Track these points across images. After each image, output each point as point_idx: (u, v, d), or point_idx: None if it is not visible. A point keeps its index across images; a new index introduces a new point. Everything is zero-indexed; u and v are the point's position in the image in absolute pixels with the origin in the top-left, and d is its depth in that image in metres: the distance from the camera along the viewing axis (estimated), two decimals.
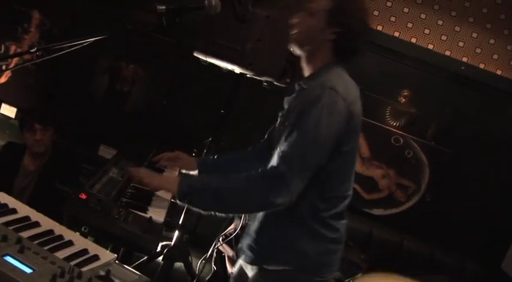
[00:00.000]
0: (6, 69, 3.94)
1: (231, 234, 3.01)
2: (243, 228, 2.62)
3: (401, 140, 3.83)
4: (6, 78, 4.14)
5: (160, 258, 2.79)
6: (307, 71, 1.82)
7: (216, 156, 2.72)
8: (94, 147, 4.00)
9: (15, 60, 3.77)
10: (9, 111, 4.13)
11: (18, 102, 4.11)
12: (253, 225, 1.84)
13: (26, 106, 3.90)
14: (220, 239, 3.08)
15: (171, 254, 2.77)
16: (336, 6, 1.71)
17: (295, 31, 1.79)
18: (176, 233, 2.81)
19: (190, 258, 2.95)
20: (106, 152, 3.91)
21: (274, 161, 1.66)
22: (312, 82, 1.70)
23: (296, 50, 1.82)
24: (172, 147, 2.26)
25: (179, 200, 1.66)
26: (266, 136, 2.08)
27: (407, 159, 3.84)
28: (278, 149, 1.66)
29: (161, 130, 3.95)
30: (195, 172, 2.13)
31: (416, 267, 3.66)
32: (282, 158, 1.59)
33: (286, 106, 1.85)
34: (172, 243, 2.82)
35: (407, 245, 3.80)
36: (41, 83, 4.10)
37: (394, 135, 3.84)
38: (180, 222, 2.78)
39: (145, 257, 2.68)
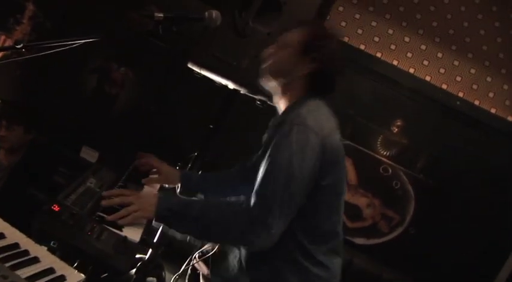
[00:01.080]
0: None
1: (208, 252, 2.90)
2: (221, 247, 2.53)
3: (390, 170, 3.78)
4: None
5: (133, 271, 2.68)
6: (282, 106, 1.76)
7: (200, 172, 2.63)
8: (76, 148, 3.87)
9: (2, 52, 3.66)
10: None
11: (2, 94, 3.97)
12: (243, 255, 1.76)
13: (9, 98, 3.78)
14: (197, 256, 2.98)
15: (145, 268, 2.66)
16: (309, 40, 1.69)
17: (268, 62, 1.75)
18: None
19: (163, 273, 2.84)
20: (88, 154, 3.78)
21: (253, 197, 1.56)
22: (285, 117, 1.64)
23: (268, 83, 1.77)
24: (157, 157, 2.18)
25: (156, 221, 1.57)
26: (253, 159, 2.01)
27: (394, 190, 3.79)
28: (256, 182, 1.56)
29: (148, 136, 3.84)
30: (177, 185, 2.06)
31: None
32: (259, 198, 1.49)
33: (264, 139, 1.80)
34: (147, 256, 2.70)
35: (386, 277, 3.72)
36: (27, 76, 3.97)
37: (383, 165, 3.79)
38: (155, 240, 2.67)
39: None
